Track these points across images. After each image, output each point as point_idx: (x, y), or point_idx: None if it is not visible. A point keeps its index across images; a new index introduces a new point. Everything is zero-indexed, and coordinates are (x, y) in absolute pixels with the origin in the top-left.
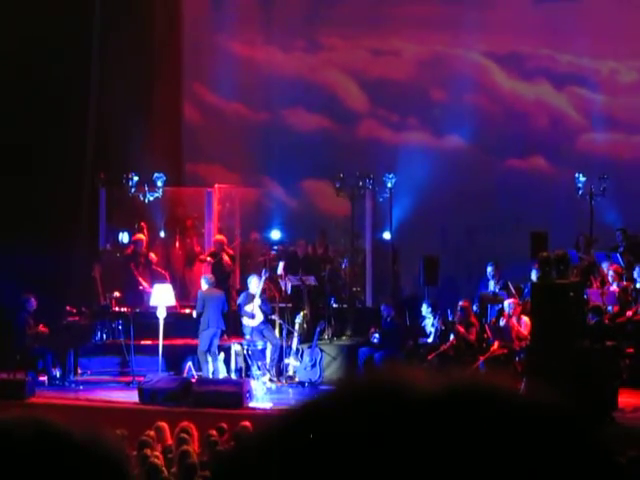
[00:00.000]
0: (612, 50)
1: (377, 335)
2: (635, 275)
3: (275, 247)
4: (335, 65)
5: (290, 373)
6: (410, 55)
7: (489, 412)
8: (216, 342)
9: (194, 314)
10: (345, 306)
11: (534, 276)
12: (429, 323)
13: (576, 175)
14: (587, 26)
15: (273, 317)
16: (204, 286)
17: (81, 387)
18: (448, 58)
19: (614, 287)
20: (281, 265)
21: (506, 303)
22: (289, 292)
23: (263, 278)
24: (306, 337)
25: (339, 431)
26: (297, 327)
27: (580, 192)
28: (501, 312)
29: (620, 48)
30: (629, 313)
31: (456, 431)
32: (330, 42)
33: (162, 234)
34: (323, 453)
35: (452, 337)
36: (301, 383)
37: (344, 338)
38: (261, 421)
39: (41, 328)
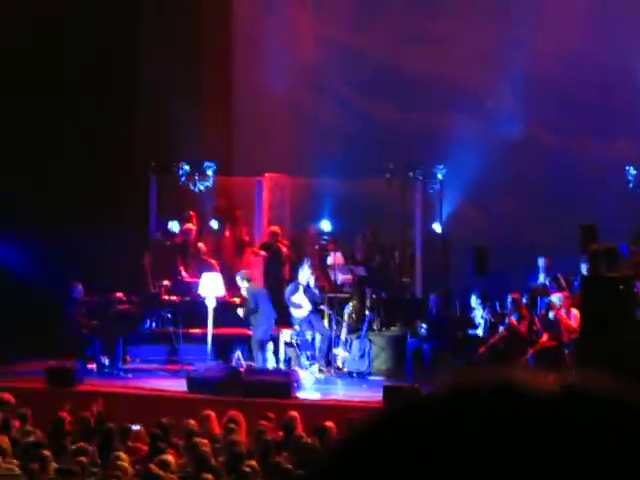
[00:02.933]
0: None
1: (425, 326)
2: None
3: (326, 237)
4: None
5: (339, 364)
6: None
7: (610, 413)
8: (269, 333)
9: (240, 312)
10: (394, 297)
11: (584, 269)
12: (478, 315)
13: (627, 168)
14: None
15: (322, 307)
16: (245, 283)
17: (130, 375)
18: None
19: None
20: (332, 255)
21: (555, 296)
22: (339, 282)
23: (308, 267)
24: (355, 327)
25: (453, 431)
26: (346, 317)
27: (631, 185)
28: (551, 305)
29: None
30: None
31: (578, 432)
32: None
33: (212, 223)
34: (437, 454)
35: (502, 329)
36: (349, 374)
37: (393, 329)
38: (368, 415)
39: (88, 318)
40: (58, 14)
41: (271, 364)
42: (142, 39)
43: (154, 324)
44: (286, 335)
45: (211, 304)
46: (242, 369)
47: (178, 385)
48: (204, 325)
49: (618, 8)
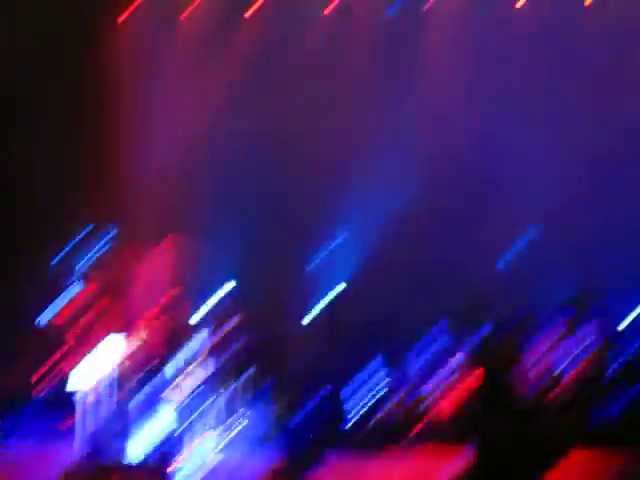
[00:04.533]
0: None
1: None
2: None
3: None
4: None
5: (238, 430)
6: None
7: None
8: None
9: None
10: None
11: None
12: (377, 380)
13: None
14: None
15: (222, 373)
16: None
17: None
18: None
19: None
20: (231, 321)
21: (453, 361)
22: (238, 347)
23: (208, 333)
24: (254, 393)
25: None
26: (245, 383)
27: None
28: (450, 370)
29: None
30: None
31: None
32: None
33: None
34: None
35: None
36: (249, 439)
37: (292, 394)
38: None
39: None
40: None
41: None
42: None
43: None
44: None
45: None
46: None
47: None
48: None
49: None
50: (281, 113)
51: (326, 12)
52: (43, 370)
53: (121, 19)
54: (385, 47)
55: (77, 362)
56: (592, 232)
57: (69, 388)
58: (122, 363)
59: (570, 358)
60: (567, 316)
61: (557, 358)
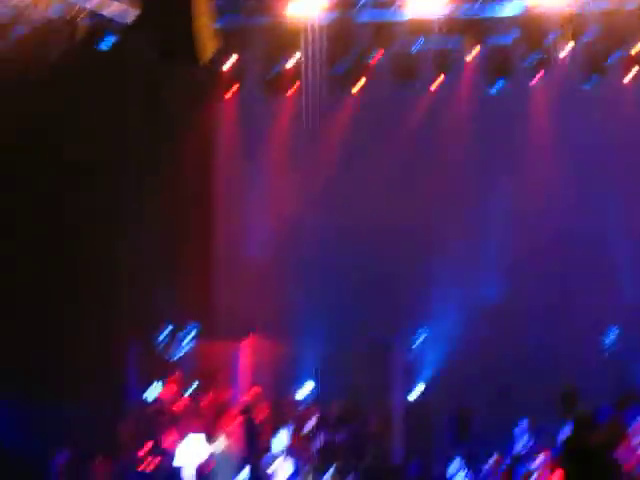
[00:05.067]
0: None
1: None
2: None
3: (305, 404)
4: None
5: None
6: None
7: None
8: None
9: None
10: (373, 463)
11: (563, 434)
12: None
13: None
14: None
15: (303, 472)
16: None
17: None
18: None
19: None
20: (311, 421)
21: (538, 459)
22: (319, 448)
23: (286, 433)
24: None
25: None
26: None
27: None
28: (533, 469)
29: None
30: None
31: None
32: None
33: (193, 385)
34: None
35: None
36: None
37: None
38: None
39: None
40: None
41: None
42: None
43: None
44: None
45: (189, 470)
46: None
47: None
48: None
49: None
50: (376, 204)
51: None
52: (149, 446)
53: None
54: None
55: (179, 440)
56: None
57: (176, 463)
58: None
59: None
60: None
61: None
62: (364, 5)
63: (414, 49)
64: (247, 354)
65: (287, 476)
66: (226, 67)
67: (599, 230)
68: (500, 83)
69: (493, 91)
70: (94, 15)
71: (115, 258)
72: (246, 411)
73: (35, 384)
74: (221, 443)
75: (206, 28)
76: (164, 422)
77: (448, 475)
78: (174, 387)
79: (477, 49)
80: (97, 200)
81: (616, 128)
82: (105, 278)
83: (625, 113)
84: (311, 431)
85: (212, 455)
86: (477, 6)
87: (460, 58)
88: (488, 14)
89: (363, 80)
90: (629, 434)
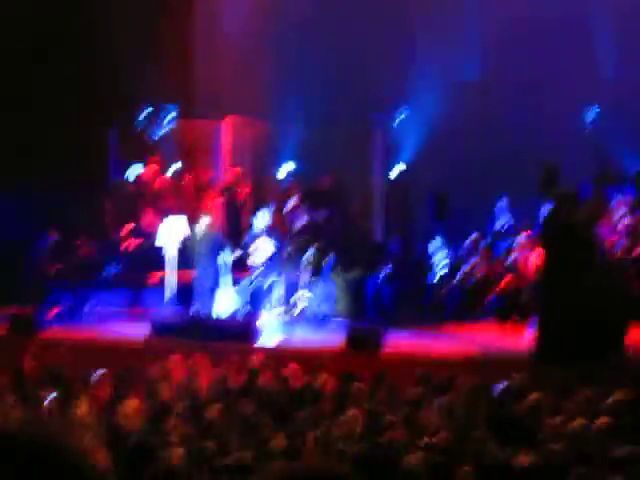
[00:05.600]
0: None
1: (386, 270)
2: None
3: (289, 180)
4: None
5: (300, 307)
6: None
7: None
8: (219, 279)
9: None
10: (355, 240)
11: (544, 212)
12: (438, 258)
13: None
14: None
15: (283, 251)
16: (202, 226)
17: (92, 321)
18: None
19: (626, 221)
20: (292, 200)
21: (519, 238)
22: (299, 226)
23: (268, 212)
24: (316, 271)
25: None
26: (307, 261)
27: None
28: (514, 246)
29: None
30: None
31: None
32: None
33: (174, 166)
34: None
35: (464, 270)
36: (312, 316)
37: (354, 272)
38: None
39: (54, 265)
40: None
41: (232, 309)
42: None
43: (116, 270)
44: (246, 280)
45: (171, 250)
46: (203, 315)
47: (141, 330)
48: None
49: None
50: None
51: None
52: (130, 226)
53: None
54: None
55: (160, 221)
56: None
57: (158, 243)
58: (203, 226)
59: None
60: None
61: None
62: None
63: None
64: (227, 133)
65: (268, 255)
66: None
67: (582, 9)
68: None
69: None
70: None
71: (95, 31)
72: (227, 190)
73: (19, 168)
74: (202, 222)
75: None
76: (145, 202)
77: (429, 252)
78: (155, 167)
79: None
80: None
81: None
82: (85, 55)
83: None
84: (292, 210)
85: (193, 234)
86: None
87: None
88: None
89: None
90: (610, 210)
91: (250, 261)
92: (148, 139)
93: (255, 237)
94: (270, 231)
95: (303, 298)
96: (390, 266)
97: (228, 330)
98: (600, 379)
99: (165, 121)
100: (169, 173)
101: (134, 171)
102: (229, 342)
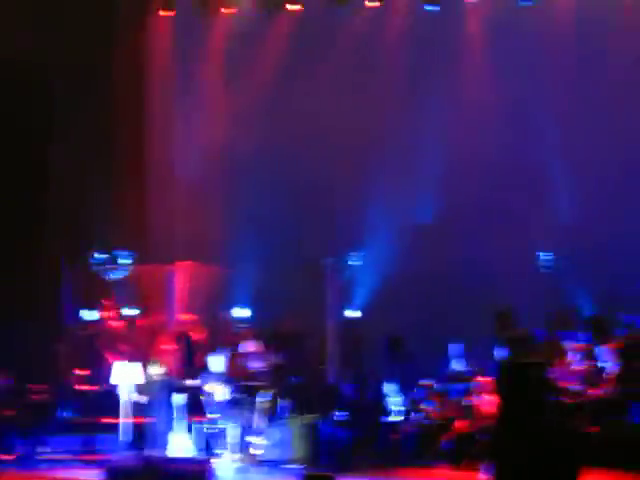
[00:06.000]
0: None
1: (339, 413)
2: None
3: (241, 325)
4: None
5: (255, 452)
6: None
7: None
8: (173, 423)
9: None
10: (309, 384)
11: (498, 355)
12: (393, 402)
13: (538, 253)
14: None
15: (237, 395)
16: (154, 371)
17: (45, 466)
18: None
19: (579, 366)
20: (247, 344)
21: (473, 382)
22: (255, 371)
23: (223, 355)
24: (270, 415)
25: None
26: (261, 405)
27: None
28: (467, 391)
29: None
30: (592, 392)
31: None
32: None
33: (126, 311)
34: None
35: (417, 415)
36: (265, 462)
37: (309, 417)
38: None
39: (6, 409)
40: None
41: (186, 453)
42: (54, 121)
43: (69, 414)
44: (199, 424)
45: (124, 393)
46: (158, 459)
47: (94, 476)
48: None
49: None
50: (311, 125)
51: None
52: (85, 369)
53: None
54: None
55: (115, 364)
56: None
57: (113, 381)
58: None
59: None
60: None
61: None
62: None
63: None
64: (182, 278)
65: (223, 400)
66: None
67: (535, 150)
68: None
69: (428, 8)
70: None
71: (48, 176)
72: (182, 334)
73: None
74: (156, 367)
75: None
76: (100, 345)
77: (383, 396)
78: (109, 310)
79: None
80: (32, 120)
81: (552, 48)
82: (37, 197)
83: (562, 33)
84: (247, 353)
85: (148, 378)
86: None
87: None
88: None
89: None
90: (564, 354)
91: (205, 405)
92: (103, 283)
93: (210, 381)
94: (225, 376)
95: (258, 443)
96: (344, 410)
97: (183, 475)
98: None
99: (121, 263)
100: (123, 316)
101: (89, 313)
102: None
